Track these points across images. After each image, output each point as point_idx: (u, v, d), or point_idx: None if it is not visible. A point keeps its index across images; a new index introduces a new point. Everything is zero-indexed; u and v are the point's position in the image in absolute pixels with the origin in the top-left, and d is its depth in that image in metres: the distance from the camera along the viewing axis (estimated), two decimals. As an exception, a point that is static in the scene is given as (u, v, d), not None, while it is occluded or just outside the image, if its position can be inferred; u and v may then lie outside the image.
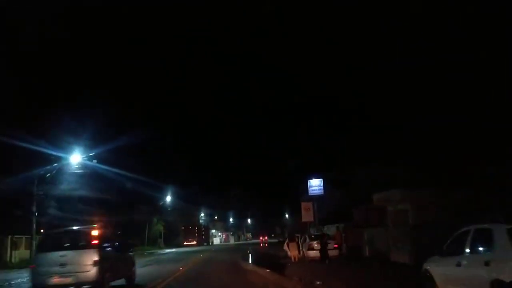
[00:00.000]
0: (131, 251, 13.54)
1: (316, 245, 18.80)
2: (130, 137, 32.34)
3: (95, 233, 10.27)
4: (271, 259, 22.15)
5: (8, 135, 22.71)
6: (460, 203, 15.39)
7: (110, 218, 39.77)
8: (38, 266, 9.69)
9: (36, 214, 27.08)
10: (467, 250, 6.23)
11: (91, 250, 9.76)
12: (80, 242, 10.06)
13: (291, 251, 19.80)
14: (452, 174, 21.64)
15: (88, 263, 9.57)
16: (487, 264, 5.49)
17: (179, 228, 62.14)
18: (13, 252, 26.52)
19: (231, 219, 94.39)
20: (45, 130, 29.11)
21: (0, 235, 25.92)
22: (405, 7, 25.42)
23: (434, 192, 16.16)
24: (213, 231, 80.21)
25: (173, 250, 46.02)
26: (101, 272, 9.67)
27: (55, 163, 26.75)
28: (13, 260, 25.98)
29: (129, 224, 39.64)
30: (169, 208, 58.41)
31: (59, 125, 28.93)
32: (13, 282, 15.61)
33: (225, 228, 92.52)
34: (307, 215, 25.79)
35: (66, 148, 27.03)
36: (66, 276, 9.47)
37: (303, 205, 25.94)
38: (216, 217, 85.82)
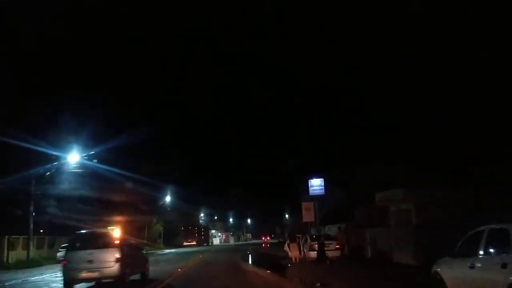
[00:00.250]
0: (145, 250, 15.32)
1: (317, 245, 18.45)
2: (130, 136, 32.02)
3: (116, 234, 11.84)
4: (271, 260, 21.86)
5: (5, 134, 22.43)
6: (463, 203, 15.15)
7: (109, 218, 39.64)
8: (69, 263, 11.13)
9: (34, 214, 26.82)
10: (481, 252, 5.87)
11: (114, 249, 11.22)
12: (104, 242, 11.50)
13: (292, 252, 19.45)
14: (453, 174, 21.40)
15: (111, 260, 11.04)
16: (504, 266, 5.15)
17: (178, 228, 61.80)
18: (10, 252, 26.14)
19: (231, 219, 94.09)
20: (44, 129, 28.83)
21: (-4, 235, 25.62)
22: (405, 7, 25.17)
23: (437, 191, 15.88)
24: (213, 231, 79.87)
25: (173, 250, 45.69)
26: (122, 267, 11.14)
27: (53, 162, 26.48)
28: (10, 260, 25.61)
29: (128, 224, 39.32)
30: (168, 208, 58.07)
31: (58, 124, 28.57)
32: (7, 284, 15.23)
33: (225, 228, 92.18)
34: (308, 215, 25.41)
35: (65, 147, 26.79)
36: (93, 271, 10.97)
37: (304, 205, 25.56)
38: (216, 217, 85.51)
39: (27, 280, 15.75)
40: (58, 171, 28.11)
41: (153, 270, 15.42)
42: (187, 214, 66.18)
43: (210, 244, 67.01)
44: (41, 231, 32.44)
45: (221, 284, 12.30)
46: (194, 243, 59.98)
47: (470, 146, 20.78)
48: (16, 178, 25.53)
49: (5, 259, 25.31)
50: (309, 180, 28.69)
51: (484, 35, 20.85)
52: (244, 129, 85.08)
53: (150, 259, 15.99)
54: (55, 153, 26.25)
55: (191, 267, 18.88)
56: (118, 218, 40.62)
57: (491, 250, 5.75)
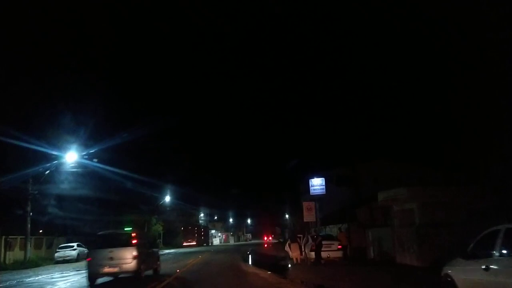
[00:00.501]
0: (156, 249, 17.15)
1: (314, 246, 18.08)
2: (129, 135, 31.57)
3: (133, 235, 13.42)
4: (272, 261, 21.53)
5: (3, 133, 22.06)
6: (469, 201, 14.81)
7: (109, 218, 39.33)
8: (93, 259, 12.75)
9: (31, 214, 26.47)
10: (497, 253, 5.50)
11: (131, 248, 12.78)
12: (123, 242, 13.08)
13: (293, 252, 19.06)
14: (457, 172, 21.07)
15: (129, 257, 12.62)
16: (522, 268, 4.80)
17: (178, 228, 61.41)
18: (7, 253, 25.82)
19: (230, 220, 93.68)
20: (42, 128, 28.40)
21: (-7, 235, 25.29)
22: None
23: (442, 190, 15.54)
24: (213, 231, 79.47)
25: (172, 250, 45.30)
26: (138, 264, 12.75)
27: (51, 161, 26.12)
28: (7, 261, 25.29)
29: (127, 223, 38.97)
30: (168, 208, 57.67)
31: (57, 123, 28.14)
32: (1, 285, 14.89)
33: (225, 228, 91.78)
34: (309, 215, 25.08)
35: (63, 146, 26.42)
36: (114, 267, 12.53)
37: (305, 204, 25.22)
38: (215, 217, 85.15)
39: (22, 281, 15.40)
40: (57, 170, 27.76)
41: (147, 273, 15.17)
42: (186, 214, 65.82)
43: (210, 244, 66.64)
44: (40, 231, 32.14)
45: (221, 286, 11.97)
46: (194, 243, 59.57)
47: (475, 143, 20.48)
48: (14, 177, 25.15)
49: (1, 259, 24.98)
50: (310, 180, 28.35)
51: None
52: (244, 128, 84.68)
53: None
54: (53, 152, 25.91)
55: (189, 268, 18.51)
56: (118, 218, 40.41)
57: (508, 251, 5.38)
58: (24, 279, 16.03)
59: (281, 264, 19.11)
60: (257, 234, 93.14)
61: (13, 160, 25.98)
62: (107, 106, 47.11)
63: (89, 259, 13.05)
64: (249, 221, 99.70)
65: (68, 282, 14.35)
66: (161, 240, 53.81)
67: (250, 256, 26.10)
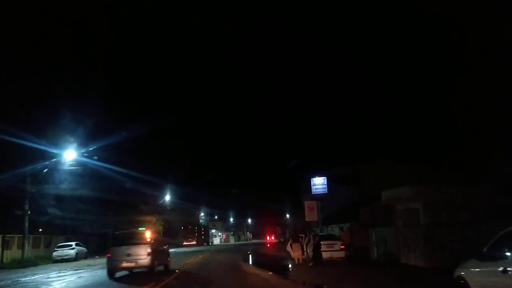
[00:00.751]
0: (167, 246, 18.53)
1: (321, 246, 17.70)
2: (130, 135, 31.20)
3: (148, 234, 15.10)
4: (273, 261, 21.21)
5: (0, 130, 21.71)
6: (474, 201, 14.47)
7: (109, 217, 38.99)
8: (112, 255, 14.10)
9: (29, 212, 26.15)
10: (517, 254, 5.13)
11: (146, 245, 14.19)
12: (139, 240, 14.58)
13: (294, 252, 18.67)
14: (463, 171, 20.69)
15: (144, 253, 13.97)
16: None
17: (178, 227, 61.06)
18: (5, 251, 25.51)
19: (231, 219, 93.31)
20: (41, 125, 28.05)
21: (-10, 234, 24.99)
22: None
23: (447, 189, 15.19)
24: (213, 231, 79.15)
25: (172, 250, 44.90)
26: (152, 260, 14.13)
27: (50, 159, 25.77)
28: (4, 260, 24.99)
29: (127, 223, 38.64)
30: (168, 207, 57.29)
31: (56, 121, 27.80)
32: (-2, 285, 14.57)
33: (225, 228, 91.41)
34: (311, 215, 24.69)
35: (62, 144, 26.07)
36: (131, 262, 13.93)
37: (307, 204, 24.84)
38: (216, 217, 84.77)
39: (17, 281, 15.05)
40: (55, 168, 27.43)
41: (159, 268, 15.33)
42: (187, 213, 65.44)
43: (210, 243, 66.32)
44: (40, 230, 31.85)
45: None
46: (194, 242, 59.27)
47: (477, 143, 20.14)
48: (13, 175, 24.83)
49: (-1, 258, 24.68)
50: (311, 179, 27.94)
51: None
52: (245, 127, 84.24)
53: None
54: (52, 150, 25.58)
55: (189, 267, 18.17)
56: (118, 217, 40.06)
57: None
58: (20, 279, 15.69)
59: (282, 264, 18.79)
60: (257, 234, 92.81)
61: (11, 158, 25.64)
62: (107, 105, 46.74)
63: (109, 255, 14.31)
64: (249, 220, 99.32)
65: (64, 282, 13.99)
66: (161, 240, 53.47)
67: (250, 256, 25.78)
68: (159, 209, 52.86)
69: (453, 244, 13.15)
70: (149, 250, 14.05)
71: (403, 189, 16.05)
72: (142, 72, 61.81)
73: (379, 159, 29.27)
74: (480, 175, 18.20)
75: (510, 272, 5.07)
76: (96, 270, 17.90)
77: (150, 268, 14.15)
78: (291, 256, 19.58)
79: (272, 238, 71.70)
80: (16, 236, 26.52)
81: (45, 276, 16.34)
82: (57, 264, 25.11)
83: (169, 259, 17.17)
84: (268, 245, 52.84)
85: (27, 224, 25.93)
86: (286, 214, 66.99)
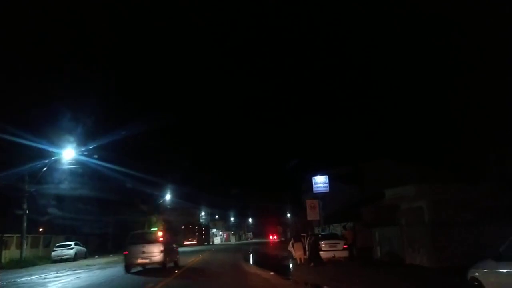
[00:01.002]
0: (176, 245, 19.95)
1: (323, 245, 17.37)
2: (130, 134, 30.90)
3: (160, 234, 16.69)
4: (274, 260, 20.89)
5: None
6: (479, 200, 14.13)
7: (108, 217, 38.74)
8: (129, 253, 15.68)
9: (28, 211, 25.87)
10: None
11: (159, 244, 15.84)
12: (152, 239, 16.20)
13: (296, 252, 18.31)
14: (467, 169, 20.36)
15: (157, 251, 15.59)
16: None
17: (179, 227, 60.78)
18: (3, 251, 25.22)
19: (232, 219, 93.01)
20: (39, 124, 27.77)
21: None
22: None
23: (452, 188, 14.85)
24: (214, 230, 78.87)
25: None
26: (164, 257, 15.73)
27: (49, 158, 25.46)
28: (2, 260, 24.69)
29: (127, 222, 38.39)
30: (168, 207, 57.03)
31: (55, 120, 27.50)
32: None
33: (226, 227, 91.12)
34: (312, 214, 24.30)
35: (61, 143, 25.78)
36: (145, 259, 15.53)
37: (308, 202, 24.45)
38: (216, 216, 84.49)
39: (14, 281, 14.74)
40: (55, 168, 27.13)
41: (145, 273, 15.00)
42: (187, 213, 65.18)
43: (211, 243, 66.05)
44: (40, 230, 31.58)
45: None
46: (195, 242, 58.98)
47: (478, 142, 19.85)
48: (11, 174, 24.54)
49: (-3, 258, 24.38)
50: (313, 178, 27.61)
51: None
52: (246, 127, 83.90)
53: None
54: (51, 149, 25.29)
55: (189, 267, 17.85)
56: (117, 216, 39.81)
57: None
58: (16, 279, 15.38)
59: (284, 264, 18.47)
60: (258, 233, 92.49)
61: (10, 156, 25.34)
62: (107, 105, 46.54)
63: (126, 252, 15.84)
64: (250, 220, 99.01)
65: (60, 283, 13.68)
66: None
67: (251, 255, 25.47)
68: (159, 209, 52.64)
69: (459, 243, 12.84)
70: (161, 248, 15.67)
71: (408, 187, 15.70)
72: (142, 72, 61.56)
73: (380, 158, 28.96)
74: (480, 175, 17.91)
75: (529, 274, 4.76)
76: (94, 271, 17.60)
77: (162, 264, 15.73)
78: (292, 255, 19.25)
79: (275, 237, 71.30)
80: (15, 235, 26.25)
81: (42, 277, 16.04)
82: (56, 264, 24.79)
83: (178, 256, 18.71)
84: (271, 244, 52.73)
85: (25, 224, 25.64)
86: (286, 214, 66.74)
